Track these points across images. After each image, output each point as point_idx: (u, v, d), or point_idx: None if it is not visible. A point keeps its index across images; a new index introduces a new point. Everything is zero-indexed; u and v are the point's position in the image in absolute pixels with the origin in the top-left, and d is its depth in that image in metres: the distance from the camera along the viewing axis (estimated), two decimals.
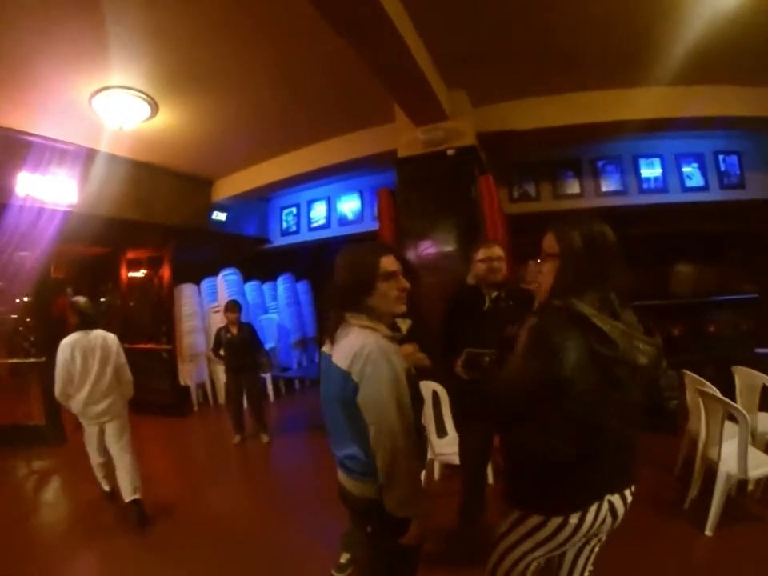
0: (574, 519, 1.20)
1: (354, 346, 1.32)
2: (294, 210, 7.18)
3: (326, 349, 1.47)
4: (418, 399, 1.47)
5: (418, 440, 1.40)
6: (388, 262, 1.41)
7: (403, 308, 1.44)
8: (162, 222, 5.78)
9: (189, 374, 6.24)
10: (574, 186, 5.39)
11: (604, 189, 5.36)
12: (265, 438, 4.78)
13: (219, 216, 6.32)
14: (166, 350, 5.99)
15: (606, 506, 1.22)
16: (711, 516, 2.54)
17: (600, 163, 5.37)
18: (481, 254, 2.37)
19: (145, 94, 3.88)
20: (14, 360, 5.13)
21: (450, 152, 4.11)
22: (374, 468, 1.34)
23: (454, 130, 4.12)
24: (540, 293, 1.31)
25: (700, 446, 2.81)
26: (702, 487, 2.80)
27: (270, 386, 6.48)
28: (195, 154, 5.41)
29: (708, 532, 2.53)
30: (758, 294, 5.63)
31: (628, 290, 1.24)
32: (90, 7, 2.69)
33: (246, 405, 4.92)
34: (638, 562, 2.28)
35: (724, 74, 4.04)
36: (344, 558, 2.37)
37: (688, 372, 3.14)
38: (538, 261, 1.34)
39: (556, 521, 1.22)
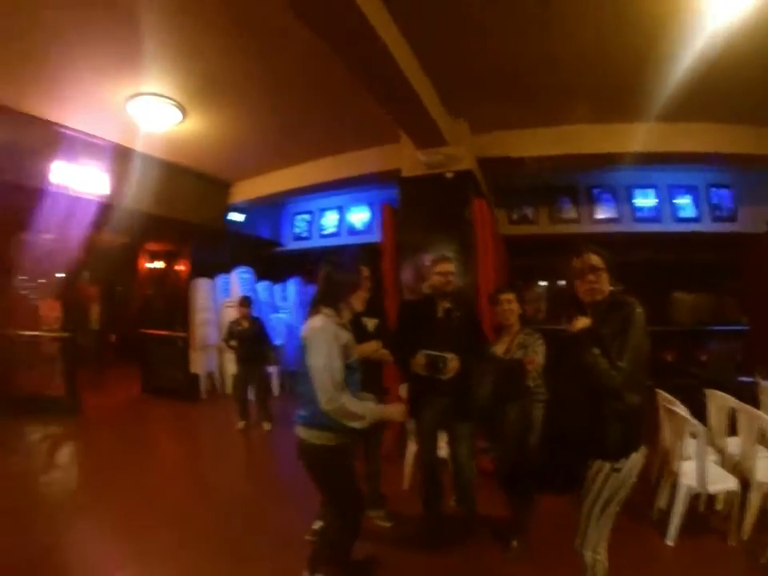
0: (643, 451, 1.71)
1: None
2: (308, 216, 7.56)
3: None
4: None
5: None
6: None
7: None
8: (183, 219, 6.24)
9: (199, 363, 6.60)
10: (570, 212, 5.64)
11: (599, 216, 5.60)
12: (267, 426, 5.02)
13: (237, 217, 6.74)
14: (181, 338, 6.34)
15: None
16: (672, 526, 2.59)
17: (596, 191, 5.60)
18: (439, 267, 2.71)
19: (175, 101, 4.32)
20: (39, 333, 5.51)
21: (449, 175, 4.40)
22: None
23: (452, 155, 4.39)
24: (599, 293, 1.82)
25: (669, 459, 2.87)
26: (671, 498, 2.81)
27: (276, 381, 6.76)
28: (217, 157, 5.86)
29: (669, 542, 2.58)
30: (748, 325, 5.72)
31: None
32: (129, 25, 3.14)
33: (251, 395, 5.17)
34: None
35: (715, 112, 4.27)
36: (317, 525, 2.65)
37: (659, 390, 3.18)
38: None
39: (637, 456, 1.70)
